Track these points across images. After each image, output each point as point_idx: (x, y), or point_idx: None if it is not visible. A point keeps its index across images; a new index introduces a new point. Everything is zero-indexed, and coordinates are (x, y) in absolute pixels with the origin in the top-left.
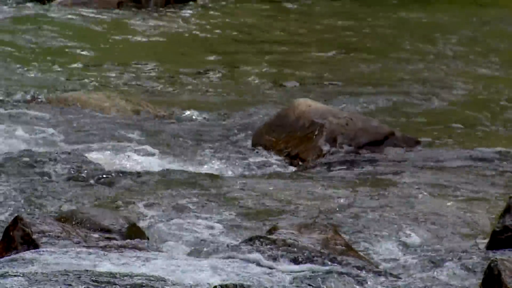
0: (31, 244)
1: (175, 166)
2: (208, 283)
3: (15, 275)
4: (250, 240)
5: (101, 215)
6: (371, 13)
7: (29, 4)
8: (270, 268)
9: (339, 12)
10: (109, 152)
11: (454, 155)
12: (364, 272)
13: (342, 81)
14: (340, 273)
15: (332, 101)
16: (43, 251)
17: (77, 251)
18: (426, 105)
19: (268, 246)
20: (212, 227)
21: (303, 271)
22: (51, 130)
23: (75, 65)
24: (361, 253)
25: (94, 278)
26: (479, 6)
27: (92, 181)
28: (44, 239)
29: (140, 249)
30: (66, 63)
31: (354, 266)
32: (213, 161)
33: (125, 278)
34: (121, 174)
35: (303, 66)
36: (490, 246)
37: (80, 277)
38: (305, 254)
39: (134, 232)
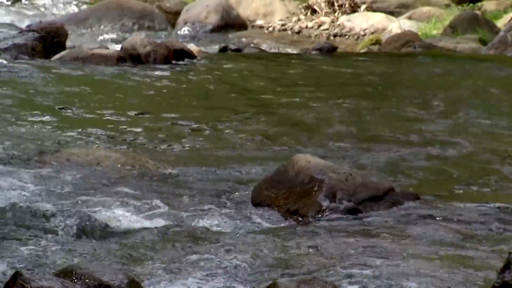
0: None
1: (174, 222)
2: None
3: None
4: None
5: (101, 271)
6: (368, 67)
7: (27, 59)
8: None
9: (336, 66)
10: (108, 207)
11: (454, 210)
12: None
13: (341, 136)
14: None
15: (331, 156)
16: None
17: None
18: (426, 160)
19: None
20: (211, 283)
21: None
22: (48, 186)
23: (73, 121)
24: None
25: None
26: (481, 61)
27: (91, 237)
28: None
29: None
30: (64, 118)
31: None
32: (212, 217)
33: None
34: (120, 230)
35: (302, 121)
36: None
37: None
38: None
39: None
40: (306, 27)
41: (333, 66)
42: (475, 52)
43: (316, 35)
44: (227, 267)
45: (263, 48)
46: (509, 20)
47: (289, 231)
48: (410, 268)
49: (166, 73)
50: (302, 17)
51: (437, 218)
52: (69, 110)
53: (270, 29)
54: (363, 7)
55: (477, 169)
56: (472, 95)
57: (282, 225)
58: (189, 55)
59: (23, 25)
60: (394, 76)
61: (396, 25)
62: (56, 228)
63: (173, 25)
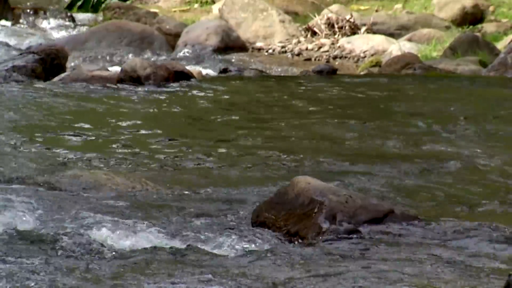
0: None
1: (174, 243)
2: None
3: None
4: None
5: None
6: (368, 89)
7: (28, 81)
8: None
9: (336, 88)
10: (106, 228)
11: (454, 232)
12: None
13: (341, 157)
14: None
15: (331, 178)
16: None
17: None
18: (426, 181)
19: None
20: None
21: None
22: (46, 207)
23: (72, 142)
24: None
25: None
26: (481, 83)
27: (89, 257)
28: None
29: None
30: (63, 140)
31: None
32: (212, 238)
33: None
34: (118, 250)
35: (302, 142)
36: None
37: None
38: None
39: None
40: (306, 49)
41: (333, 87)
42: (475, 74)
43: (316, 57)
44: None
45: (263, 70)
46: (509, 42)
47: (289, 252)
48: None
49: (166, 95)
50: (302, 39)
51: (437, 240)
52: (69, 132)
53: (270, 51)
54: (363, 29)
55: (478, 189)
56: (473, 116)
57: (282, 246)
58: (189, 77)
59: (23, 46)
60: (394, 98)
61: (396, 47)
62: (52, 249)
63: (173, 47)
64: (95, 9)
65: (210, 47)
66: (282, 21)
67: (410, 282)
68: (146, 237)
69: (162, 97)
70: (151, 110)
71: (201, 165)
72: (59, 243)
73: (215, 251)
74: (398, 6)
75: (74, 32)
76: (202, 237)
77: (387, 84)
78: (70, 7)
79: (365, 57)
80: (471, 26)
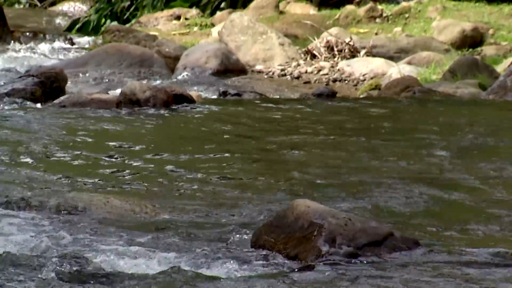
0: None
1: (172, 266)
2: None
3: None
4: None
5: None
6: (368, 112)
7: (27, 104)
8: None
9: (336, 111)
10: (105, 252)
11: (454, 255)
12: None
13: (340, 180)
14: None
15: (331, 200)
16: None
17: None
18: (426, 203)
19: None
20: None
21: None
22: (45, 231)
23: (71, 165)
24: None
25: None
26: (480, 106)
27: (88, 282)
28: None
29: None
30: (62, 163)
31: None
32: (211, 262)
33: None
34: (117, 275)
35: (302, 165)
36: None
37: None
38: None
39: None
40: (306, 72)
41: (333, 111)
42: (475, 97)
43: (315, 80)
44: None
45: (262, 93)
46: (509, 65)
47: (288, 276)
48: None
49: (165, 118)
50: (301, 62)
51: (437, 264)
52: (67, 154)
53: (270, 74)
54: (362, 52)
55: (478, 213)
56: (472, 139)
57: (282, 269)
58: (189, 100)
59: (23, 69)
60: (394, 121)
61: (396, 70)
62: (48, 272)
63: (172, 70)
64: (94, 32)
65: (210, 70)
66: (282, 44)
67: None
68: (144, 261)
69: (161, 120)
70: (150, 133)
71: (200, 188)
72: (55, 266)
73: (214, 274)
74: (398, 29)
75: (74, 55)
76: (201, 260)
77: (386, 107)
78: (69, 30)
79: (364, 80)
80: (470, 49)
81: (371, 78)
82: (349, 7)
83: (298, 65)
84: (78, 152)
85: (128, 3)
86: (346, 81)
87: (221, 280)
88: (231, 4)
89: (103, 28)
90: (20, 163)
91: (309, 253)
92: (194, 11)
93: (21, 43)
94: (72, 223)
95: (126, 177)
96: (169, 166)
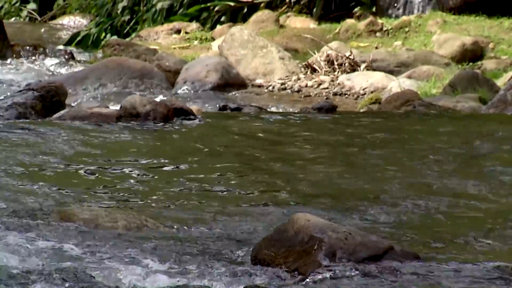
0: None
1: (172, 281)
2: None
3: None
4: None
5: None
6: (368, 126)
7: (27, 118)
8: None
9: (336, 125)
10: (106, 267)
11: (454, 270)
12: None
13: (340, 193)
14: None
15: (331, 215)
16: None
17: None
18: (426, 217)
19: None
20: None
21: None
22: (45, 245)
23: (71, 180)
24: None
25: None
26: (480, 120)
27: None
28: None
29: None
30: (62, 177)
31: None
32: (211, 276)
33: None
34: None
35: (302, 179)
36: None
37: None
38: None
39: None
40: (306, 86)
41: (333, 125)
42: (475, 111)
43: (315, 94)
44: None
45: (262, 107)
46: (509, 79)
47: None
48: None
49: (165, 132)
50: (301, 76)
51: (437, 277)
52: (68, 169)
53: (270, 88)
54: (362, 66)
55: (478, 226)
56: (472, 153)
57: (282, 284)
58: (189, 113)
59: (23, 83)
60: (394, 135)
61: (396, 84)
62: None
63: (172, 83)
64: (94, 45)
65: (210, 84)
66: (282, 58)
67: None
68: (144, 275)
69: (161, 134)
70: (150, 147)
71: (200, 201)
72: (55, 281)
73: None
74: (398, 43)
75: (74, 69)
76: (201, 274)
77: (387, 121)
78: (69, 43)
79: (364, 94)
80: (470, 63)
81: (371, 92)
82: (349, 21)
83: (298, 79)
84: (78, 166)
85: (128, 17)
86: (346, 95)
87: None
88: (231, 18)
89: (103, 42)
90: (20, 176)
91: (309, 266)
92: (194, 25)
93: (21, 57)
94: (72, 237)
95: (126, 190)
96: (169, 180)
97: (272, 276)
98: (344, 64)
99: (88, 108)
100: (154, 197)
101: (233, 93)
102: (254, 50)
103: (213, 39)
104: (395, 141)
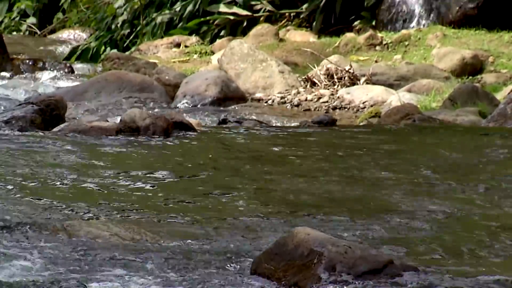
0: None
1: None
2: None
3: None
4: None
5: None
6: (367, 140)
7: (27, 132)
8: None
9: (336, 139)
10: (107, 282)
11: (454, 284)
12: None
13: (340, 207)
14: None
15: (331, 229)
16: None
17: None
18: (425, 231)
19: None
20: None
21: None
22: (45, 259)
23: (71, 193)
24: None
25: None
26: (480, 133)
27: None
28: None
29: None
30: (62, 191)
31: None
32: None
33: None
34: None
35: (301, 193)
36: None
37: None
38: None
39: None
40: (306, 99)
41: (332, 138)
42: (475, 124)
43: (315, 108)
44: None
45: (262, 121)
46: (509, 93)
47: None
48: None
49: (165, 146)
50: (301, 89)
51: None
52: (66, 183)
53: (270, 101)
54: (362, 79)
55: (478, 240)
56: (474, 168)
57: None
58: (188, 127)
59: (22, 97)
60: (394, 149)
61: (396, 98)
62: None
63: (172, 97)
64: (94, 59)
65: (209, 98)
66: (282, 72)
67: None
68: None
69: (161, 148)
70: (149, 161)
71: (199, 215)
72: None
73: None
74: (398, 56)
75: (73, 83)
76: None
77: (386, 134)
78: (69, 57)
79: (364, 107)
80: (470, 77)
81: (371, 106)
82: (349, 35)
83: (298, 92)
84: (77, 180)
85: (128, 30)
86: (346, 109)
87: None
88: (231, 31)
89: (102, 56)
90: (19, 190)
91: (309, 280)
92: (193, 39)
93: (21, 71)
94: (71, 250)
95: (126, 204)
96: (168, 193)
97: None
98: (344, 78)
99: (87, 121)
100: (154, 211)
101: (233, 106)
102: (253, 64)
103: (212, 52)
104: (395, 155)
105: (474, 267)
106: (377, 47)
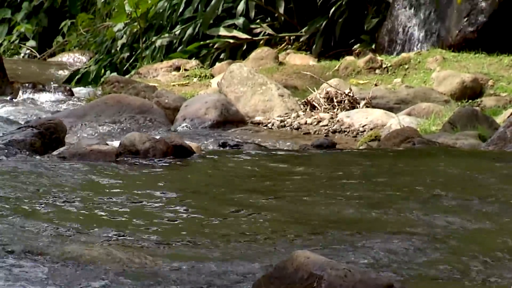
0: None
1: None
2: None
3: None
4: None
5: None
6: (367, 163)
7: (26, 156)
8: None
9: (336, 163)
10: None
11: None
12: None
13: (341, 232)
14: None
15: (330, 252)
16: None
17: None
18: (426, 254)
19: None
20: None
21: None
22: (42, 283)
23: (69, 217)
24: None
25: None
26: (480, 157)
27: None
28: None
29: None
30: (60, 214)
31: None
32: None
33: None
34: None
35: (301, 216)
36: None
37: None
38: None
39: None
40: (305, 123)
41: (332, 162)
42: (475, 148)
43: (315, 131)
44: None
45: (262, 144)
46: (508, 116)
47: None
48: None
49: (165, 169)
50: (301, 113)
51: None
52: (67, 207)
53: (269, 125)
54: (362, 103)
55: (476, 262)
56: (472, 190)
57: None
58: (188, 151)
59: (22, 121)
60: (394, 172)
61: (395, 121)
62: None
63: (172, 120)
64: (94, 82)
65: (209, 121)
66: (281, 95)
67: None
68: None
69: (161, 172)
70: (149, 185)
71: (199, 239)
72: None
73: None
74: (397, 80)
75: (73, 106)
76: None
77: (386, 158)
78: (68, 81)
79: (364, 131)
80: (470, 100)
81: (371, 129)
82: (349, 58)
83: (298, 116)
84: (76, 203)
85: (128, 54)
86: (346, 132)
87: None
88: (231, 55)
89: (102, 79)
90: (18, 215)
91: None
92: (193, 62)
93: (20, 94)
94: (71, 275)
95: (125, 227)
96: (168, 216)
97: None
98: (344, 101)
99: (87, 145)
100: (154, 234)
101: (233, 130)
102: (253, 87)
103: (212, 76)
104: (395, 177)
105: None
106: (377, 71)
